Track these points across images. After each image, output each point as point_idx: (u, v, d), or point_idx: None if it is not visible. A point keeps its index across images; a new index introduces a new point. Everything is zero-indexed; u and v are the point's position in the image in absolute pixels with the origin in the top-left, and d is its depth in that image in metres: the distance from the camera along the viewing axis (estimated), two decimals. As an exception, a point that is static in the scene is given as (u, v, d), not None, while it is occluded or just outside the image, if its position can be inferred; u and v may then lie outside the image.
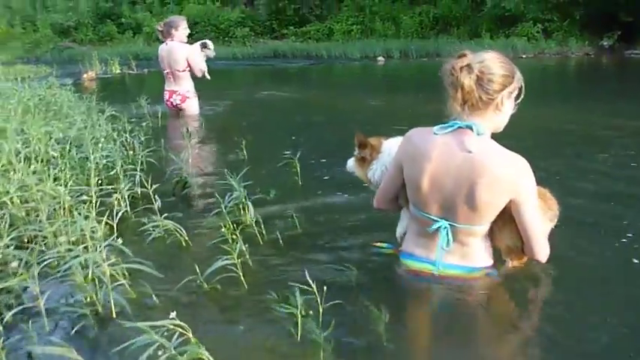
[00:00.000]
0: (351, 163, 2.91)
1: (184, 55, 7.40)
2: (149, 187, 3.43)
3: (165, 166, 4.35)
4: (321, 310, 2.10)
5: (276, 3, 26.58)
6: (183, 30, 7.48)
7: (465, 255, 2.50)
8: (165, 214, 3.18)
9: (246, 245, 2.76)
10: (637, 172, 4.53)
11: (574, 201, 3.47)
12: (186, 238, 3.03)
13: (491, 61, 2.30)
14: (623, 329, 2.24)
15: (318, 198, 3.94)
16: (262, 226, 3.11)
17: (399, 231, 2.81)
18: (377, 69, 18.26)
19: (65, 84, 11.40)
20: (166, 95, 7.71)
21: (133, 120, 6.72)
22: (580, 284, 2.63)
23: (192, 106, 7.75)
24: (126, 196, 3.46)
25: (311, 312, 2.13)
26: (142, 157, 4.17)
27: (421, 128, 2.50)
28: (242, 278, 2.53)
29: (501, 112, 2.35)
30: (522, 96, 2.39)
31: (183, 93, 7.62)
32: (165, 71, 7.59)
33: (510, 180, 2.30)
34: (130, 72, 17.85)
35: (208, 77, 7.78)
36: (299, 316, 2.09)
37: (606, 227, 3.27)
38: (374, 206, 2.81)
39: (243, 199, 3.22)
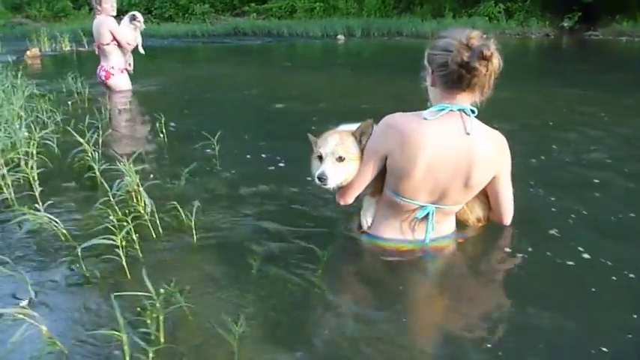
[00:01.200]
0: (333, 170, 2.48)
1: (107, 27, 7.17)
2: (29, 171, 3.07)
3: (71, 149, 3.97)
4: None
5: (236, -21, 25.86)
6: (107, 4, 7.17)
7: (441, 229, 2.57)
8: (50, 202, 2.86)
9: (136, 236, 2.48)
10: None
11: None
12: (64, 231, 2.68)
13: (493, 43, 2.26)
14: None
15: (231, 185, 3.58)
16: (157, 216, 2.80)
17: (367, 220, 2.65)
18: (337, 47, 17.89)
19: (5, 61, 10.87)
20: (97, 69, 7.50)
21: (60, 99, 6.35)
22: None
23: (117, 82, 7.51)
24: (9, 182, 3.09)
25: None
26: (38, 138, 3.79)
27: (402, 114, 2.40)
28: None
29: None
30: None
31: (108, 69, 7.42)
32: (94, 44, 7.43)
33: (498, 158, 2.41)
34: (81, 49, 17.10)
35: (142, 51, 7.62)
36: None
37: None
38: (342, 204, 2.60)
39: (136, 187, 2.89)
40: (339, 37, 20.20)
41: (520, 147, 4.44)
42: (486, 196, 2.64)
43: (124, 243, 2.34)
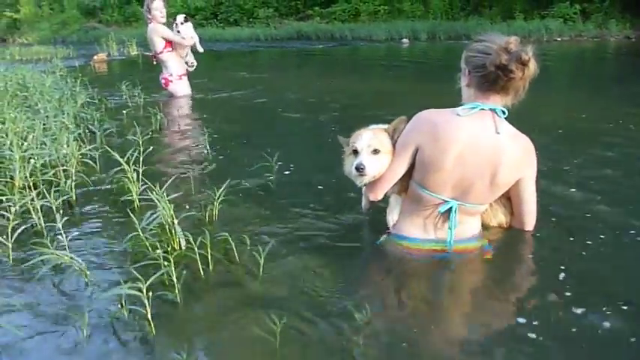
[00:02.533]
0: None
1: (158, 34, 7.19)
2: (53, 201, 2.86)
3: (115, 165, 3.78)
4: None
5: (301, -18, 25.73)
6: (156, 11, 7.14)
7: (466, 230, 2.58)
8: (78, 232, 2.64)
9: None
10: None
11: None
12: (87, 271, 2.42)
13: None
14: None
15: (288, 216, 3.15)
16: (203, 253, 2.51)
17: (394, 218, 2.71)
18: (401, 51, 17.39)
19: (71, 66, 11.10)
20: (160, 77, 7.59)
21: (117, 106, 6.27)
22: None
23: (177, 89, 7.53)
24: (38, 207, 2.90)
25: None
26: (79, 155, 3.61)
27: (435, 110, 2.50)
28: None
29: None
30: None
31: (167, 76, 7.47)
32: (150, 54, 7.54)
33: (524, 161, 2.47)
34: (147, 53, 17.38)
35: (201, 49, 7.63)
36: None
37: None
38: (372, 199, 2.69)
39: (170, 219, 2.62)
40: (404, 40, 19.69)
41: (576, 154, 4.15)
42: (509, 202, 2.71)
43: (149, 293, 2.03)
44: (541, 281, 2.41)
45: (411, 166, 2.54)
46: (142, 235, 2.53)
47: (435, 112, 2.49)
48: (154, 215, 2.66)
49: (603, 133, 4.95)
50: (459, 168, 2.39)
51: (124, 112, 5.78)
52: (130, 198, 3.13)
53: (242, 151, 4.51)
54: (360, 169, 2.48)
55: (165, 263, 2.15)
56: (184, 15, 7.52)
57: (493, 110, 2.41)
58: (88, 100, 6.06)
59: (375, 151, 2.51)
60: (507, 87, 2.37)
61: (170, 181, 3.22)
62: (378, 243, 2.69)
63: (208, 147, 4.52)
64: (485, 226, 2.72)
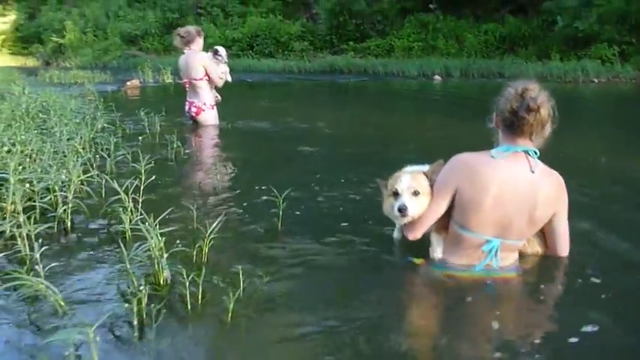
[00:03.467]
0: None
1: (201, 62, 7.25)
2: (31, 228, 2.76)
3: (113, 194, 3.68)
4: None
5: (337, 17, 25.95)
6: (200, 40, 7.40)
7: (505, 262, 2.68)
8: (60, 262, 2.53)
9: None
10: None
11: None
12: (61, 303, 2.28)
13: (547, 95, 2.54)
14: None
15: (279, 261, 2.96)
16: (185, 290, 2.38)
17: (438, 255, 2.77)
18: (433, 87, 17.25)
19: (103, 91, 11.28)
20: (186, 106, 7.56)
21: (135, 132, 6.26)
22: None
23: (207, 118, 7.54)
24: (33, 235, 2.79)
25: None
26: (76, 181, 3.53)
27: (470, 153, 2.65)
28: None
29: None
30: None
31: (199, 105, 7.46)
32: (184, 81, 7.48)
33: (557, 196, 2.62)
34: (179, 81, 17.66)
35: (230, 79, 7.78)
36: None
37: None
38: (411, 238, 2.76)
39: (157, 252, 2.49)
40: (436, 77, 19.57)
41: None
42: (542, 232, 2.80)
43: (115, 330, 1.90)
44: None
45: (450, 207, 2.67)
46: (128, 266, 2.41)
47: (471, 155, 2.64)
48: (141, 247, 2.53)
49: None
50: (498, 207, 2.52)
51: (140, 138, 5.75)
52: (122, 228, 3.02)
53: (255, 184, 4.35)
54: (402, 210, 2.62)
55: (126, 305, 2.00)
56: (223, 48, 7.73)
57: (525, 151, 2.55)
58: (106, 125, 6.06)
59: (415, 193, 2.65)
60: (524, 131, 2.52)
61: (166, 213, 3.10)
62: (409, 260, 2.80)
63: (220, 179, 4.41)
64: (521, 255, 2.84)
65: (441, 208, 2.65)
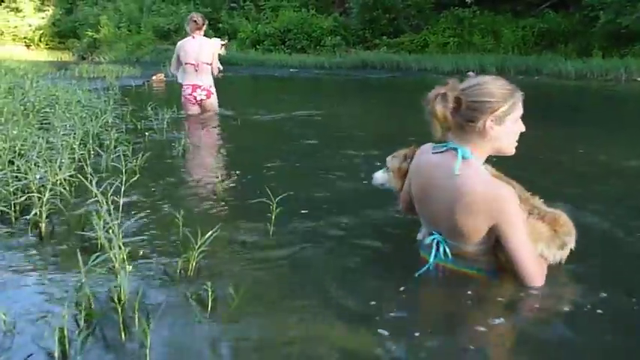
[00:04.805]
0: (382, 175, 3.05)
1: (213, 49, 7.59)
2: None
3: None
4: None
5: (370, 12, 25.41)
6: (205, 27, 7.76)
7: (465, 260, 2.51)
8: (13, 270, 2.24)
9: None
10: None
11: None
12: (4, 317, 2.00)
13: (478, 88, 2.37)
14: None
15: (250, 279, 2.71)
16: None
17: (419, 236, 2.82)
18: (467, 85, 16.63)
19: (127, 85, 11.14)
20: (189, 89, 7.61)
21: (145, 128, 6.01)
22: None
23: (214, 101, 7.74)
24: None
25: None
26: (55, 181, 3.25)
27: (429, 144, 2.61)
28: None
29: (490, 137, 2.37)
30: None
31: (208, 88, 7.62)
32: (191, 63, 7.53)
33: (488, 206, 2.30)
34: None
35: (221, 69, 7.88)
36: None
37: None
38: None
39: (118, 264, 2.18)
40: (470, 73, 18.85)
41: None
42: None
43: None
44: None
45: None
46: (83, 279, 2.11)
47: (424, 146, 2.65)
48: (100, 258, 2.22)
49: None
50: (423, 203, 2.54)
51: (147, 133, 5.49)
52: (92, 234, 2.72)
53: (258, 187, 4.02)
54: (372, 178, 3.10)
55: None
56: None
57: (456, 149, 2.39)
58: (116, 119, 5.81)
59: (387, 169, 3.00)
60: (452, 128, 2.40)
61: (150, 217, 2.81)
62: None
63: (220, 179, 4.09)
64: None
65: (405, 191, 2.80)
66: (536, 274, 2.39)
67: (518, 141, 2.47)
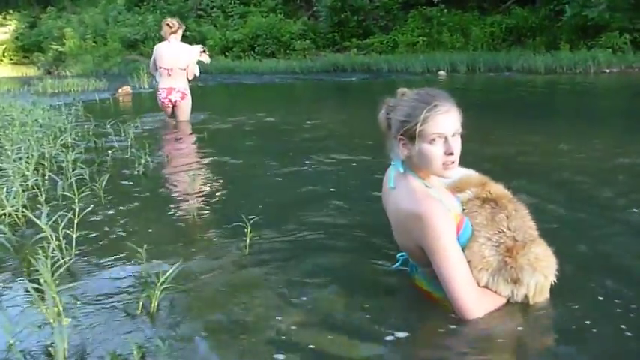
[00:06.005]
0: None
1: (189, 55, 7.61)
2: None
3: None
4: None
5: (338, 14, 25.28)
6: (181, 32, 7.80)
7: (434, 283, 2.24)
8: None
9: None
10: None
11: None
12: None
13: (395, 104, 2.29)
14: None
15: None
16: None
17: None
18: (438, 84, 16.61)
19: (91, 99, 10.79)
20: (163, 93, 7.71)
21: (106, 146, 5.74)
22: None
23: (188, 104, 7.81)
24: None
25: None
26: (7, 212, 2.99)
27: None
28: None
29: (409, 157, 2.22)
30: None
31: (182, 90, 7.69)
32: (165, 67, 7.60)
33: (412, 225, 2.14)
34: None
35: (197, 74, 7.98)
36: None
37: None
38: None
39: (52, 316, 1.94)
40: (441, 72, 18.89)
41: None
42: None
43: None
44: None
45: None
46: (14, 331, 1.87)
47: None
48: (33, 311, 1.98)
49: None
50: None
51: (109, 152, 5.22)
52: (38, 276, 2.47)
53: (229, 207, 3.80)
54: None
55: None
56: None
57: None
58: (76, 139, 5.52)
59: None
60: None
61: (109, 255, 2.56)
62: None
63: (188, 200, 3.85)
64: None
65: None
66: (468, 305, 2.05)
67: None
